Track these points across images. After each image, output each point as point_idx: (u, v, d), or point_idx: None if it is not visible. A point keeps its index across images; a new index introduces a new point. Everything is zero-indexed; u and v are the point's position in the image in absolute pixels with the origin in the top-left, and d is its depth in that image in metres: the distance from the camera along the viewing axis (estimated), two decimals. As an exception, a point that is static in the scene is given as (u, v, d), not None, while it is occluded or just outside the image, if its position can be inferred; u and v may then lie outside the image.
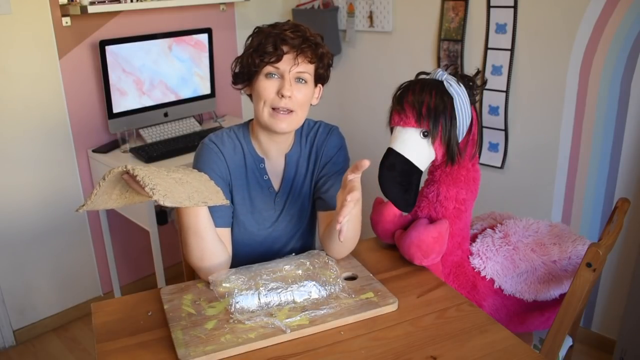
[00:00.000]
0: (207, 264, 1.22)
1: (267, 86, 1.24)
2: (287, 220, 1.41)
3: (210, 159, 1.30)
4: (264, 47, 1.22)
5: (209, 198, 1.10)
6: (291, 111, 1.25)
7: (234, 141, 1.34)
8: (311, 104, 1.33)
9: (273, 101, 1.24)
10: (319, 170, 1.38)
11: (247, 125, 1.38)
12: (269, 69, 1.23)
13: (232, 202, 1.35)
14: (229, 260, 1.28)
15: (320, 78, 1.32)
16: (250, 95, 1.33)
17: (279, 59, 1.22)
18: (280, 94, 1.23)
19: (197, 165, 1.31)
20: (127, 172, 1.01)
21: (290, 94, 1.23)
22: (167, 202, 0.98)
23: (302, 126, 1.37)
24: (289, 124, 1.27)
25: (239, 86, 1.33)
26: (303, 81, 1.26)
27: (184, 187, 1.06)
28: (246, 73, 1.28)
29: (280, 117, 1.25)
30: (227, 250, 1.27)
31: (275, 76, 1.24)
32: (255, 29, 1.29)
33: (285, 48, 1.22)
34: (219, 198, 1.13)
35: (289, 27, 1.25)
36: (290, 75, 1.23)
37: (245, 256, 1.36)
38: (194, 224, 1.19)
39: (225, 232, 1.31)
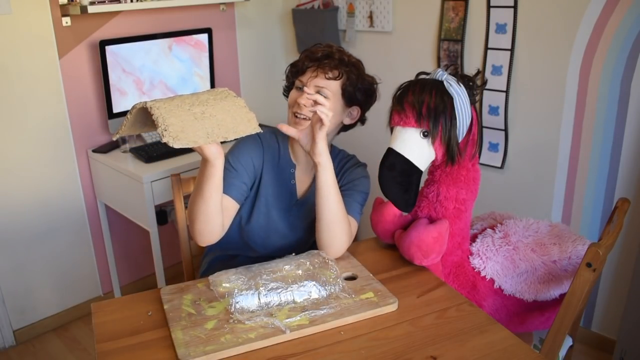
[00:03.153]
0: (208, 227, 1.24)
1: (292, 95, 1.38)
2: (300, 229, 1.45)
3: (250, 145, 1.40)
4: (296, 63, 1.39)
5: (234, 131, 1.09)
6: (308, 118, 1.31)
7: (274, 141, 1.45)
8: (345, 124, 1.43)
9: (294, 107, 1.35)
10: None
11: None
12: (297, 82, 1.37)
13: (257, 191, 1.41)
14: (222, 232, 1.29)
15: (352, 98, 1.38)
16: None
17: (302, 72, 1.36)
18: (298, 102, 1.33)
19: (236, 146, 1.41)
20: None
21: (305, 102, 1.30)
22: (177, 144, 1.01)
23: (337, 153, 1.48)
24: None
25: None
26: (323, 96, 1.31)
27: (204, 123, 1.06)
28: (287, 86, 1.44)
29: (297, 122, 1.33)
30: (223, 221, 1.28)
31: (301, 88, 1.35)
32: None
33: (308, 63, 1.35)
34: (249, 127, 1.11)
35: (322, 45, 1.38)
36: (309, 86, 1.33)
37: (255, 248, 1.44)
38: (204, 186, 1.19)
39: (230, 203, 1.34)
